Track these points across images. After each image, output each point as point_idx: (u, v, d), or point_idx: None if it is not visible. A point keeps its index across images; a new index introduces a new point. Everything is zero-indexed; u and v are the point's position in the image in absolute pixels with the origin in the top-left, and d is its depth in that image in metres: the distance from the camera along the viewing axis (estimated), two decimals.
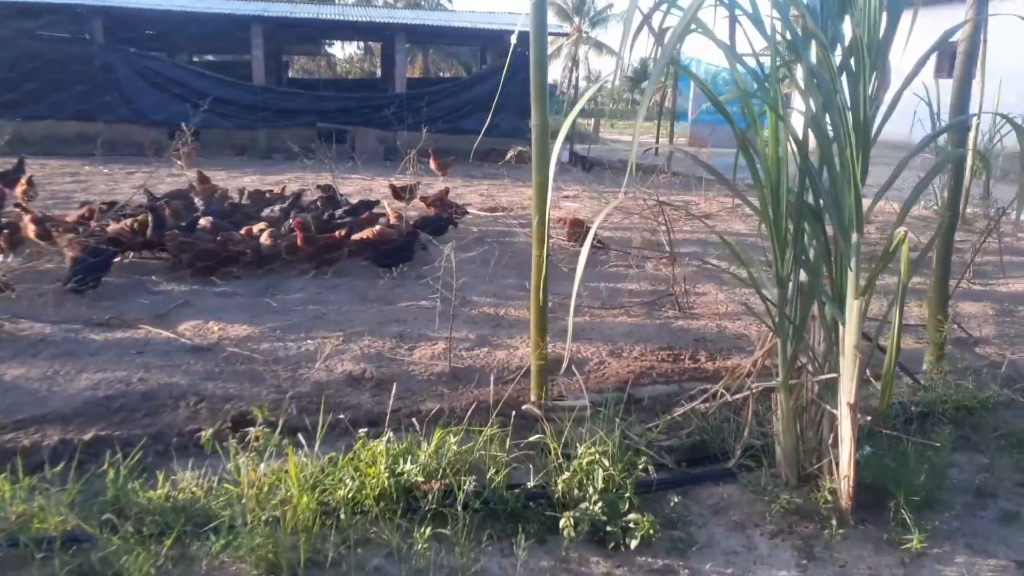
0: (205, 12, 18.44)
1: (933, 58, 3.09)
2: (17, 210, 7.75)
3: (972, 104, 4.11)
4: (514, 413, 3.41)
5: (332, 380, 4.12)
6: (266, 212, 7.81)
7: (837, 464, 2.84)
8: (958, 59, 4.02)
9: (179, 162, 14.59)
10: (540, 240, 3.49)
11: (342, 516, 2.67)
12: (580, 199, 12.24)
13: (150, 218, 6.66)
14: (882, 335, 3.40)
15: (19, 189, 9.40)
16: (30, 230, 6.64)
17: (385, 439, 2.89)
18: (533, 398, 3.66)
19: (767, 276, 3.11)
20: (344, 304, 5.72)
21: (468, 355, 4.62)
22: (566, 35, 36.16)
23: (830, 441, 2.94)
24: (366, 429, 3.07)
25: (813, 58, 2.72)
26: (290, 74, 33.43)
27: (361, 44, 41.39)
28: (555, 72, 34.41)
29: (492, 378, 4.03)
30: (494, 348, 4.76)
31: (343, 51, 47.76)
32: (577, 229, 7.31)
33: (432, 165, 13.97)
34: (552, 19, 40.95)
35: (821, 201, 2.86)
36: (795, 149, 2.89)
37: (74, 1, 17.27)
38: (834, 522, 2.75)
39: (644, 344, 4.85)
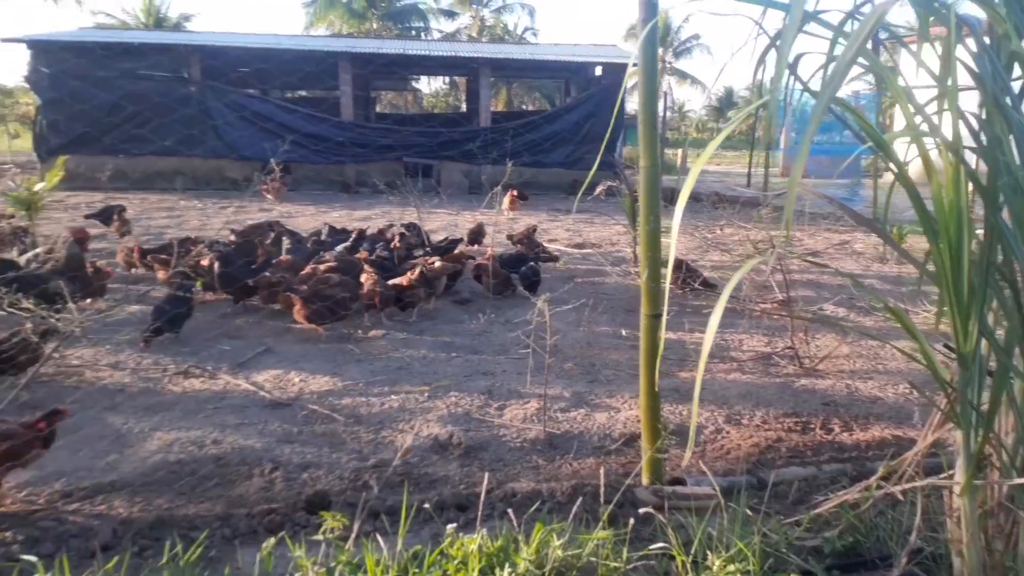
0: (295, 49, 18.89)
1: None
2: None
3: None
4: (626, 503, 2.93)
5: (417, 446, 3.74)
6: (337, 250, 7.55)
7: None
8: None
9: (269, 196, 14.89)
10: (653, 299, 3.03)
11: None
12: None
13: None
14: None
15: (114, 226, 9.62)
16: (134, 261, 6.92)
17: (478, 537, 2.47)
18: (646, 481, 3.17)
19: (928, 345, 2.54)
20: (430, 352, 5.37)
21: (564, 417, 4.17)
22: None
23: None
24: (455, 524, 2.65)
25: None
26: (377, 109, 34.13)
27: (446, 78, 41.95)
28: (633, 104, 33.93)
29: (601, 468, 3.56)
30: (592, 409, 4.29)
31: (429, 86, 48.61)
32: (677, 273, 6.79)
33: (506, 203, 13.59)
34: (633, 50, 40.42)
35: (1015, 263, 2.30)
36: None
37: (174, 41, 17.98)
38: None
39: (765, 409, 4.28)
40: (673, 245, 2.32)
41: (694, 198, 17.03)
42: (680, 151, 28.47)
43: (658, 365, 3.06)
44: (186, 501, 3.14)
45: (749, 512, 2.74)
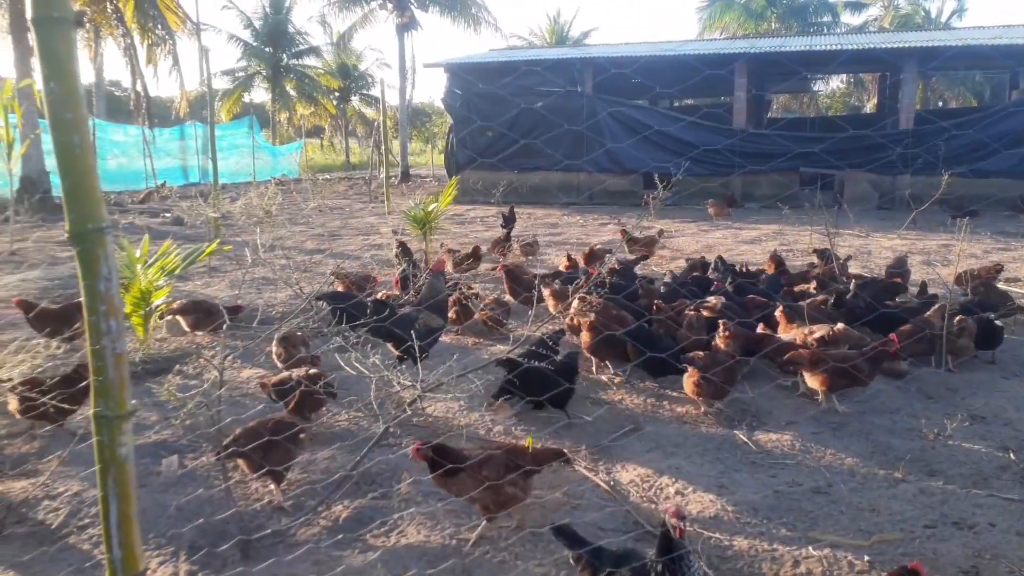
0: (689, 54, 17.85)
1: None
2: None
3: None
4: None
5: None
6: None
7: None
8: None
9: (711, 211, 13.61)
10: None
11: None
12: None
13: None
14: None
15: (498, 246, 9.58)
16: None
17: None
18: None
19: None
20: (858, 463, 3.75)
21: None
22: None
23: None
24: None
25: None
26: (769, 114, 31.58)
27: (844, 77, 37.41)
28: None
29: None
30: None
31: (826, 85, 44.12)
32: None
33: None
34: None
35: None
36: None
37: (568, 56, 18.18)
38: None
39: None
40: None
41: None
42: None
43: None
44: None
45: None
